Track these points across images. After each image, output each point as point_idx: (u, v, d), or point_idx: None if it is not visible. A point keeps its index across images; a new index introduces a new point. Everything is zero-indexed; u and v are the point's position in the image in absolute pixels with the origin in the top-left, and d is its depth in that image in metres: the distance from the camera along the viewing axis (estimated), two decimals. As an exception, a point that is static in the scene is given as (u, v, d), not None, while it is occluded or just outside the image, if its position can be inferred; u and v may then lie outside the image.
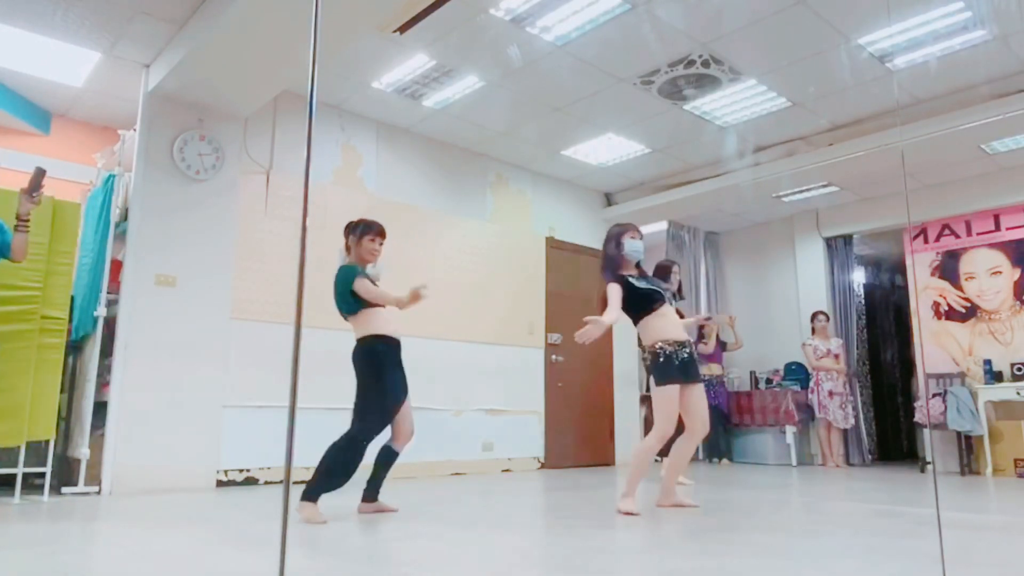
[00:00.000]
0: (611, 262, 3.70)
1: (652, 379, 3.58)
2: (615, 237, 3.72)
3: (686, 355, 3.56)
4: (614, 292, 3.53)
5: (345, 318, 3.44)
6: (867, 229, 7.49)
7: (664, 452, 3.75)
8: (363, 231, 3.48)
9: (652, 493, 4.33)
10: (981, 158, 6.16)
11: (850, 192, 7.12)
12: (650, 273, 3.97)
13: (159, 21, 4.31)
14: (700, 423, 3.62)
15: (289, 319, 5.06)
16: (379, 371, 3.32)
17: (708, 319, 5.75)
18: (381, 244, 3.52)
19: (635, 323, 3.68)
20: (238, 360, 4.83)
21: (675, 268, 5.02)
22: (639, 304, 3.61)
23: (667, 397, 3.49)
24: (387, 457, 3.43)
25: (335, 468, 3.19)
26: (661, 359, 3.52)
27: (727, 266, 8.57)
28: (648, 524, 3.13)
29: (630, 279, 3.62)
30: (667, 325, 3.60)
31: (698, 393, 3.61)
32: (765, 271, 8.19)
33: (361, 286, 3.32)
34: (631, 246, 3.67)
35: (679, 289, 5.08)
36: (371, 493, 3.44)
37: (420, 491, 4.48)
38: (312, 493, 3.16)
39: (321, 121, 5.50)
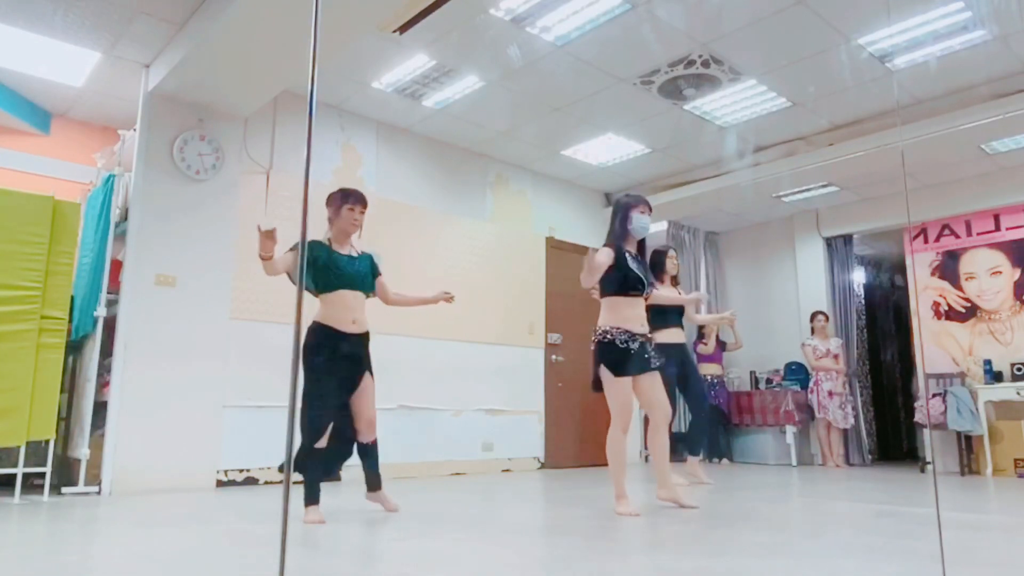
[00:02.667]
0: (613, 232, 3.60)
1: (601, 366, 3.48)
2: (623, 210, 3.59)
3: (636, 345, 3.45)
4: (604, 255, 3.41)
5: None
6: (867, 229, 7.49)
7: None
8: (341, 200, 3.37)
9: (651, 493, 4.33)
10: (981, 158, 6.16)
11: (850, 192, 7.12)
12: (646, 258, 3.88)
13: (159, 21, 4.32)
14: (660, 413, 3.56)
15: (289, 319, 5.06)
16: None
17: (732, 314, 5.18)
18: (362, 213, 3.39)
19: (602, 296, 3.58)
20: (238, 360, 4.83)
21: (671, 254, 5.00)
22: (618, 283, 3.50)
23: (617, 387, 3.44)
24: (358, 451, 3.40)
25: (305, 476, 3.18)
26: (609, 345, 3.44)
27: (727, 266, 8.56)
28: (648, 524, 3.13)
29: (627, 255, 3.52)
30: (631, 315, 3.50)
31: (651, 382, 3.53)
32: (765, 271, 8.18)
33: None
34: (638, 222, 3.56)
35: (675, 277, 5.04)
36: (368, 484, 3.42)
37: (420, 491, 4.48)
38: (308, 497, 3.16)
39: (321, 121, 5.50)
